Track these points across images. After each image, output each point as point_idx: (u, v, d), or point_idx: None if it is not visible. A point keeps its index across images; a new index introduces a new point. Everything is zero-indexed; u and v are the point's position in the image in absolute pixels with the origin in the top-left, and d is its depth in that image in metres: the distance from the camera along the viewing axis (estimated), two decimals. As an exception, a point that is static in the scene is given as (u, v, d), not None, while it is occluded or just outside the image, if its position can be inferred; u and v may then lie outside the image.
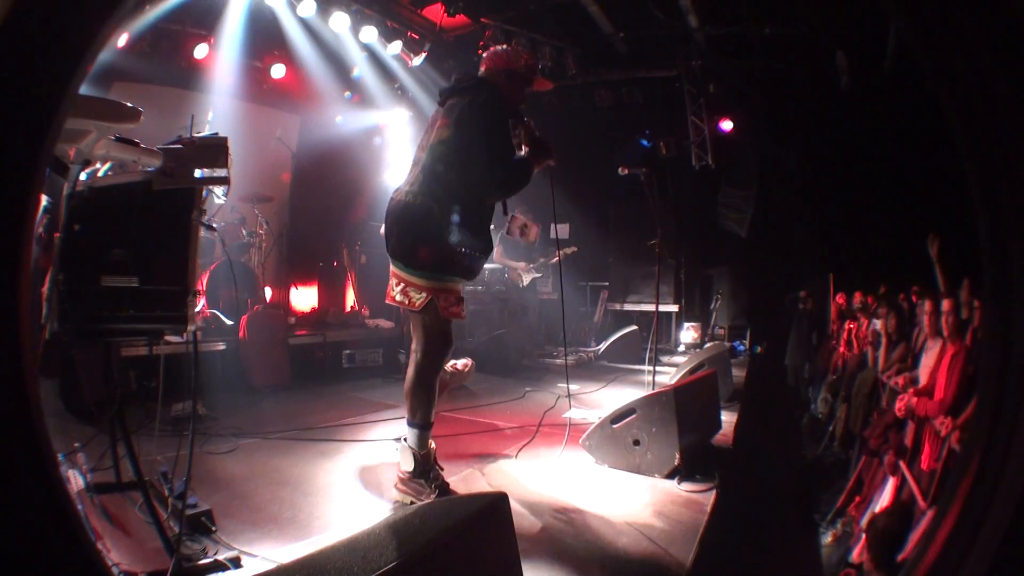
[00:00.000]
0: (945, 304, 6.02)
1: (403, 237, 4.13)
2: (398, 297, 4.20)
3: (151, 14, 8.09)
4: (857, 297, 10.26)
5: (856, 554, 5.40)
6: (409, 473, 4.26)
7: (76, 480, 3.11)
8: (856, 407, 7.77)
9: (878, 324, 8.10)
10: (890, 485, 5.77)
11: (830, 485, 7.34)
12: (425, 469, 4.25)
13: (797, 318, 12.15)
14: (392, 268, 4.26)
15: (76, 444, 3.82)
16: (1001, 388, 1.78)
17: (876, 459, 6.46)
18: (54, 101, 1.50)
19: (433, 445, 4.35)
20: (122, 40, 7.93)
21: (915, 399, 5.79)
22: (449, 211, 4.06)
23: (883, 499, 5.74)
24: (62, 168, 2.59)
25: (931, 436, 5.51)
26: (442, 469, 4.43)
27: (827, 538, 6.21)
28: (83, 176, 2.92)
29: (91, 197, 2.94)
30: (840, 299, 11.18)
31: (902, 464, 5.69)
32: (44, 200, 3.28)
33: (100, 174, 3.08)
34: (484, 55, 4.54)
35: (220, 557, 3.19)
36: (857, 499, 6.45)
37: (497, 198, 4.39)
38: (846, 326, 10.38)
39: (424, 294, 4.10)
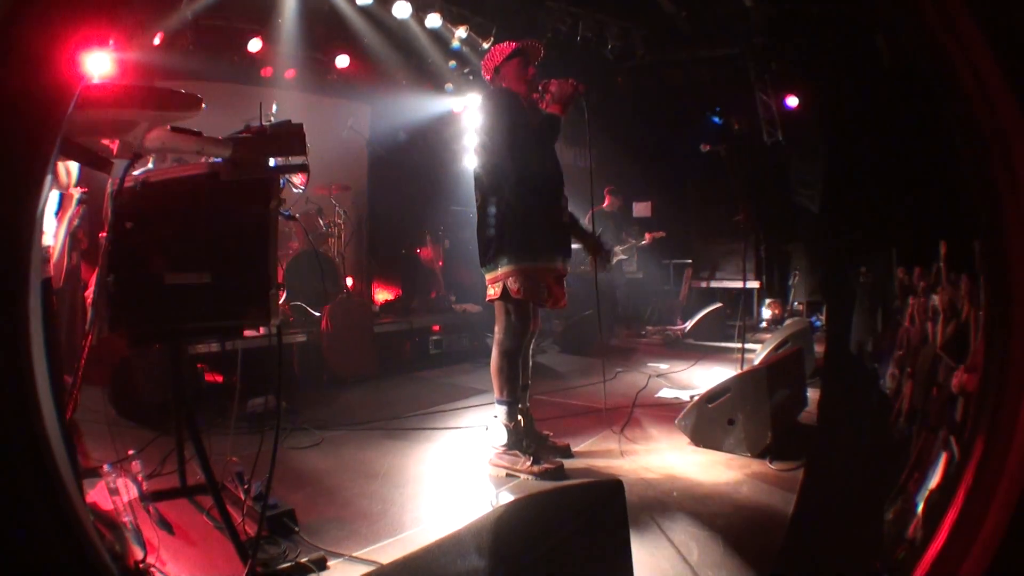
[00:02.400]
0: (982, 278, 5.71)
1: (479, 246, 4.71)
2: (489, 292, 4.69)
3: (188, 10, 8.01)
4: (917, 272, 9.86)
5: (911, 530, 5.19)
6: (504, 445, 4.57)
7: (128, 490, 2.99)
8: (919, 383, 7.46)
9: (936, 299, 7.75)
10: (942, 461, 5.55)
11: (895, 461, 7.06)
12: (517, 439, 4.59)
13: (860, 294, 11.68)
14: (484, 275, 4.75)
15: (130, 451, 3.73)
16: (1002, 380, 1.75)
17: (933, 435, 6.22)
18: (55, 95, 1.39)
19: (521, 419, 4.69)
20: (158, 39, 7.88)
21: (965, 375, 5.52)
22: (500, 205, 4.57)
23: (936, 475, 5.53)
24: (102, 163, 2.43)
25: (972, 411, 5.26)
26: (549, 435, 4.97)
27: (888, 514, 6.01)
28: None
29: (144, 192, 2.81)
30: (901, 273, 10.73)
31: (952, 440, 5.45)
32: (77, 193, 3.18)
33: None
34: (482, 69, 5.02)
35: (303, 559, 3.07)
36: (916, 475, 6.19)
37: (539, 168, 4.65)
38: (910, 301, 9.98)
39: (499, 282, 4.57)
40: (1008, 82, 1.57)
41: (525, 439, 4.62)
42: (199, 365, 5.95)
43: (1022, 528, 1.55)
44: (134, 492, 3.03)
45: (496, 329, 4.73)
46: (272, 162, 2.96)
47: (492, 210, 4.59)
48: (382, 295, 11.28)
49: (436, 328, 9.27)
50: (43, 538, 1.41)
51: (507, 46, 4.76)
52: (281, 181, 3.13)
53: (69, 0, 1.48)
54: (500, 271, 4.55)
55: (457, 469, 4.67)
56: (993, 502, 1.62)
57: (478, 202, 4.71)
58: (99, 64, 6.46)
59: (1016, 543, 1.55)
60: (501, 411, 4.62)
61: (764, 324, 12.57)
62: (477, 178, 4.73)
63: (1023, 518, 1.55)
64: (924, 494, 5.23)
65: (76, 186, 3.26)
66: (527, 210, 4.54)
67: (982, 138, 1.69)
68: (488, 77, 4.88)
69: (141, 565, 2.64)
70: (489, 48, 4.95)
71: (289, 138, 2.93)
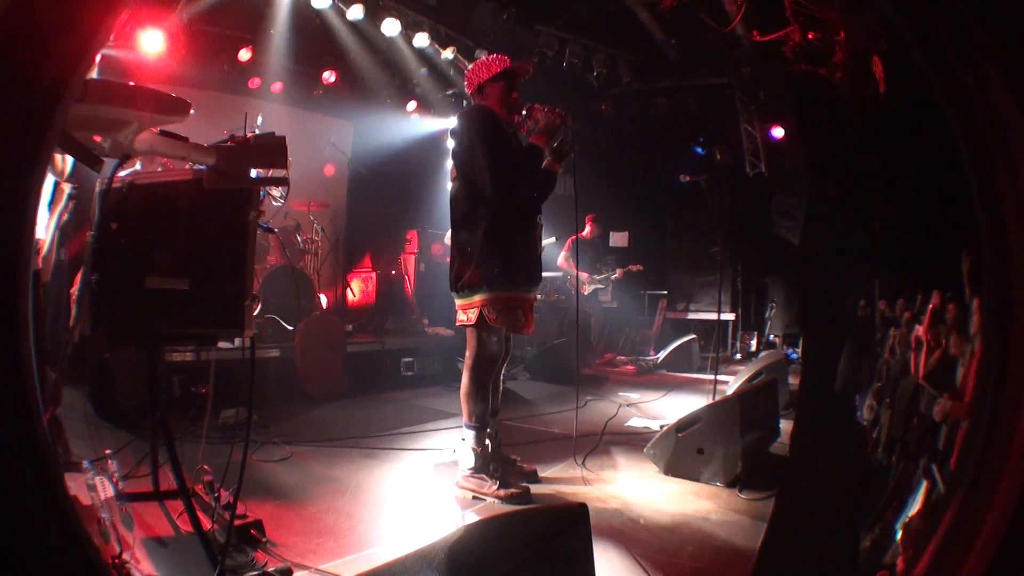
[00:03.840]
0: (974, 304, 5.84)
1: (452, 270, 4.66)
2: (460, 318, 4.63)
3: (183, 14, 7.99)
4: (900, 304, 10.00)
5: (889, 556, 5.27)
6: (471, 469, 4.56)
7: (105, 488, 2.98)
8: (898, 413, 7.58)
9: (919, 330, 7.90)
10: (923, 489, 5.65)
11: (872, 491, 7.15)
12: (484, 463, 4.57)
13: (855, 326, 11.79)
14: (455, 300, 4.69)
15: (107, 451, 3.71)
16: (999, 389, 1.75)
17: (913, 464, 6.32)
18: (58, 86, 1.40)
19: (489, 443, 4.66)
20: (153, 42, 7.86)
21: (950, 403, 5.65)
22: (477, 230, 4.48)
23: (916, 502, 5.63)
24: (94, 160, 2.43)
25: (961, 438, 5.38)
26: (517, 459, 4.93)
27: (866, 543, 6.09)
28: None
29: (130, 194, 2.82)
30: (883, 305, 10.89)
31: (934, 468, 5.56)
32: (68, 188, 3.18)
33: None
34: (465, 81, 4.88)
35: (270, 569, 3.06)
36: (895, 503, 6.29)
37: (518, 196, 4.57)
38: (890, 333, 10.13)
39: (475, 309, 4.50)
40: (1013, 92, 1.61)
41: (492, 463, 4.60)
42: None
43: (1015, 547, 1.57)
44: (110, 490, 3.02)
45: (467, 354, 4.66)
46: (254, 173, 2.97)
47: (468, 235, 4.52)
48: (355, 302, 11.23)
49: (409, 350, 9.27)
50: (39, 526, 1.42)
51: (495, 63, 4.64)
52: (261, 193, 3.14)
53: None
54: (477, 298, 4.47)
55: (424, 490, 4.65)
56: (985, 522, 1.64)
57: (453, 226, 4.66)
58: (98, 60, 6.45)
59: (1009, 561, 1.57)
60: (470, 435, 4.61)
61: (738, 356, 12.60)
62: (454, 200, 4.67)
63: (1016, 537, 1.57)
64: (903, 521, 5.29)
65: (68, 181, 3.26)
66: (506, 237, 4.48)
67: (986, 150, 1.72)
68: (471, 91, 4.76)
69: (117, 561, 2.63)
70: (477, 59, 4.89)
71: (272, 150, 2.95)
